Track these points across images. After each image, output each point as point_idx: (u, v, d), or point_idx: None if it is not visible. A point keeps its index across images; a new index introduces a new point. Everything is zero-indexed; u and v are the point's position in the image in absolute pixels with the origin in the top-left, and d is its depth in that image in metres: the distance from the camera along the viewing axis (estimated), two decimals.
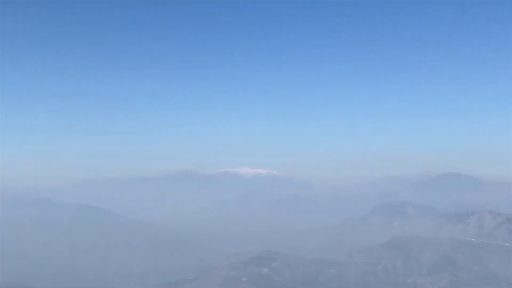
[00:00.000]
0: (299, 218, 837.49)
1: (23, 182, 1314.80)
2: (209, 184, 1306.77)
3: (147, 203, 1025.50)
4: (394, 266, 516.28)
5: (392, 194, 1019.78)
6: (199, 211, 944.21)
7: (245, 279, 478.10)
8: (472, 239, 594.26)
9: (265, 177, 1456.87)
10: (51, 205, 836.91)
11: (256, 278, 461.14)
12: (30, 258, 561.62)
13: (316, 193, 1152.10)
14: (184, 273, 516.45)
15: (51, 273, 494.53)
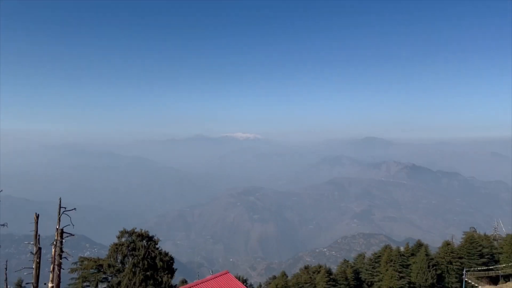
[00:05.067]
0: (273, 166, 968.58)
1: (98, 138, 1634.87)
2: (215, 143, 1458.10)
3: (179, 156, 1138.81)
4: (333, 196, 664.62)
5: (333, 150, 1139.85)
6: (209, 161, 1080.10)
7: (239, 204, 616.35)
8: (383, 179, 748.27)
9: (252, 139, 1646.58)
10: (113, 156, 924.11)
11: (246, 203, 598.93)
12: (96, 190, 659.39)
13: (285, 150, 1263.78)
14: (199, 200, 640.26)
15: (109, 201, 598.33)
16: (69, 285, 60.87)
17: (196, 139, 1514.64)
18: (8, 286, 46.57)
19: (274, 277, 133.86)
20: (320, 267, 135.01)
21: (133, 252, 59.03)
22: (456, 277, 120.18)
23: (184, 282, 72.68)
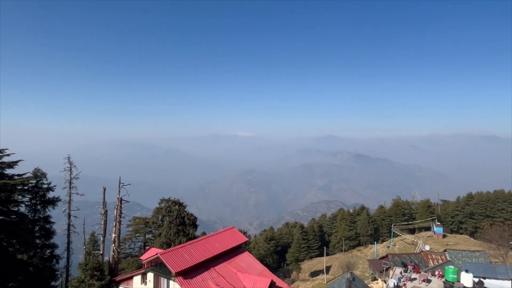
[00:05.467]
0: (264, 155, 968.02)
1: (143, 135, 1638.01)
2: (224, 139, 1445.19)
3: (199, 148, 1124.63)
4: (304, 175, 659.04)
5: (305, 144, 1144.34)
6: (220, 152, 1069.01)
7: (240, 180, 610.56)
8: (338, 163, 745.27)
9: (249, 137, 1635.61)
10: (154, 148, 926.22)
11: (245, 180, 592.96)
12: (144, 171, 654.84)
13: (272, 144, 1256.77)
14: (214, 178, 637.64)
15: (153, 179, 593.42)
16: (126, 235, 61.51)
17: (211, 136, 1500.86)
18: (86, 236, 47.12)
19: (265, 230, 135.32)
20: (296, 223, 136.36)
21: (169, 213, 59.55)
22: (387, 229, 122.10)
23: (204, 233, 73.14)
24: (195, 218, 60.18)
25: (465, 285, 36.93)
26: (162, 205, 61.70)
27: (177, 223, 56.82)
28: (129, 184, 37.93)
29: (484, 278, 39.77)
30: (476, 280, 37.57)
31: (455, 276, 38.51)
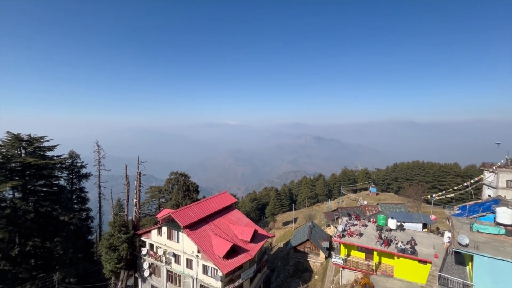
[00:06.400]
0: (248, 138, 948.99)
1: (153, 123, 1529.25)
2: (218, 127, 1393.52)
3: (198, 134, 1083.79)
4: (278, 152, 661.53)
5: (278, 129, 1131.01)
6: (215, 136, 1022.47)
7: (231, 157, 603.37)
8: (302, 143, 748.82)
9: (237, 125, 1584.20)
10: (162, 134, 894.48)
11: (234, 157, 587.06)
12: (156, 151, 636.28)
13: (254, 130, 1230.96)
14: (210, 155, 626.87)
15: (164, 157, 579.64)
16: (145, 200, 60.78)
17: (208, 124, 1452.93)
18: (113, 202, 46.73)
19: (249, 193, 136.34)
20: (272, 188, 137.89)
21: (177, 182, 58.95)
22: (337, 190, 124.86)
23: (204, 197, 73.24)
24: (197, 186, 59.88)
25: (391, 227, 38.86)
26: (172, 176, 61.07)
27: (184, 190, 56.47)
28: (146, 161, 37.36)
29: (404, 222, 42.07)
30: (398, 224, 39.56)
31: (384, 222, 40.37)
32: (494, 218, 25.84)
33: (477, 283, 19.79)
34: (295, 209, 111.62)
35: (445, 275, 22.23)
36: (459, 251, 20.64)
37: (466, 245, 20.72)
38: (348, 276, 34.85)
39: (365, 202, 79.57)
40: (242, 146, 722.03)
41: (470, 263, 22.35)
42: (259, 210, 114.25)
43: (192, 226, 32.67)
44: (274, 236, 60.60)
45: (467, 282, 21.06)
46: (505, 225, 24.33)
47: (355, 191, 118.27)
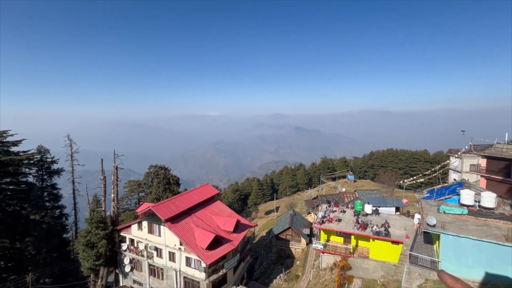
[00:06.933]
0: (229, 129, 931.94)
1: (133, 116, 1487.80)
2: (199, 118, 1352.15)
3: (179, 126, 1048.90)
4: (259, 143, 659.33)
5: (259, 120, 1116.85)
6: (197, 128, 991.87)
7: (212, 149, 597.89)
8: (283, 134, 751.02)
9: (217, 116, 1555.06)
10: (143, 127, 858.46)
11: (216, 148, 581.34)
12: (136, 145, 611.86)
13: (235, 121, 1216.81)
14: (192, 147, 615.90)
15: (143, 150, 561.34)
16: (123, 195, 58.90)
17: (189, 116, 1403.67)
18: (89, 197, 44.78)
19: (231, 184, 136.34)
20: (254, 178, 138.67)
21: (157, 176, 57.54)
22: (317, 179, 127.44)
23: (186, 189, 72.22)
24: (178, 178, 58.85)
25: (367, 212, 40.89)
26: (151, 170, 59.43)
27: (164, 183, 55.32)
28: (123, 155, 36.13)
29: (379, 207, 44.40)
30: (374, 208, 41.71)
31: (361, 207, 42.36)
32: (459, 199, 27.91)
33: (443, 259, 21.52)
34: (277, 199, 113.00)
35: (415, 254, 23.96)
36: (428, 231, 22.21)
37: (434, 226, 22.31)
38: (327, 260, 36.46)
39: (344, 189, 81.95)
40: (223, 138, 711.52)
41: (437, 242, 24.21)
42: (242, 201, 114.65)
43: (174, 219, 32.25)
44: (257, 225, 61.47)
45: (434, 259, 22.88)
46: (468, 206, 26.43)
47: (334, 179, 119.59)
